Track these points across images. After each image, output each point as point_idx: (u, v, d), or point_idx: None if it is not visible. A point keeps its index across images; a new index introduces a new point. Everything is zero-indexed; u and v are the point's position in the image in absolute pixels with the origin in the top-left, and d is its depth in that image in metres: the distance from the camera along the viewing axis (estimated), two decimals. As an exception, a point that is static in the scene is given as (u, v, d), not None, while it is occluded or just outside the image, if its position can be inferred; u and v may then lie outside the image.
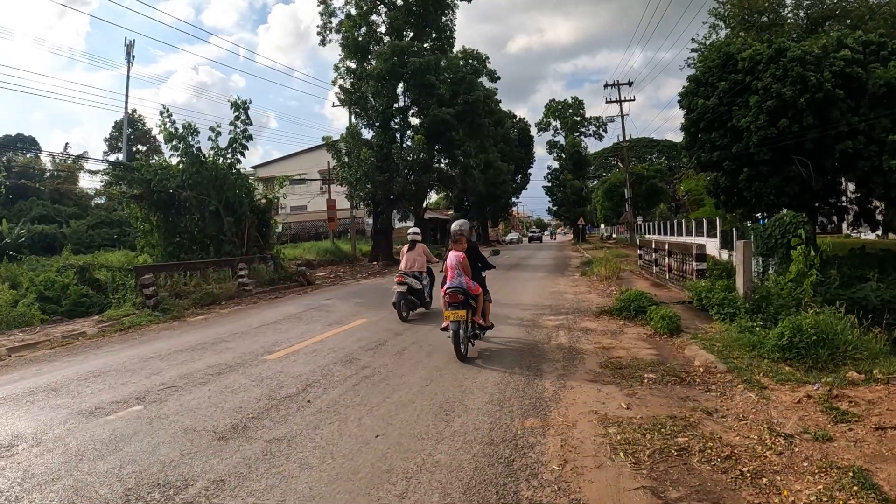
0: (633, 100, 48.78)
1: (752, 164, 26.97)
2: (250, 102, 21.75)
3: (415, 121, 31.88)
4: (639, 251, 18.92)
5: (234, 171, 22.85)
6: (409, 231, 13.28)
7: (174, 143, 21.66)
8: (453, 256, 8.61)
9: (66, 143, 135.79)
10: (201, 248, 23.29)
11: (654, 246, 15.65)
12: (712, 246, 25.62)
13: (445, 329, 8.52)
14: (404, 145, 29.84)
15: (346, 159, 30.20)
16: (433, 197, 68.76)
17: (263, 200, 23.69)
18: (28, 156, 63.94)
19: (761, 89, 26.29)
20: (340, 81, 32.48)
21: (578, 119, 75.46)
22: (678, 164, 71.65)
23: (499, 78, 51.46)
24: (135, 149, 68.65)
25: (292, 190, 59.68)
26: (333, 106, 34.26)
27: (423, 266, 12.60)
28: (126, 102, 65.10)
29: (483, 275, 9.42)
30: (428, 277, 12.82)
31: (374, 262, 31.21)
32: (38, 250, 41.33)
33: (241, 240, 23.29)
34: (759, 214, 38.47)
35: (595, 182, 77.91)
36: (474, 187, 35.67)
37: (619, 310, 11.32)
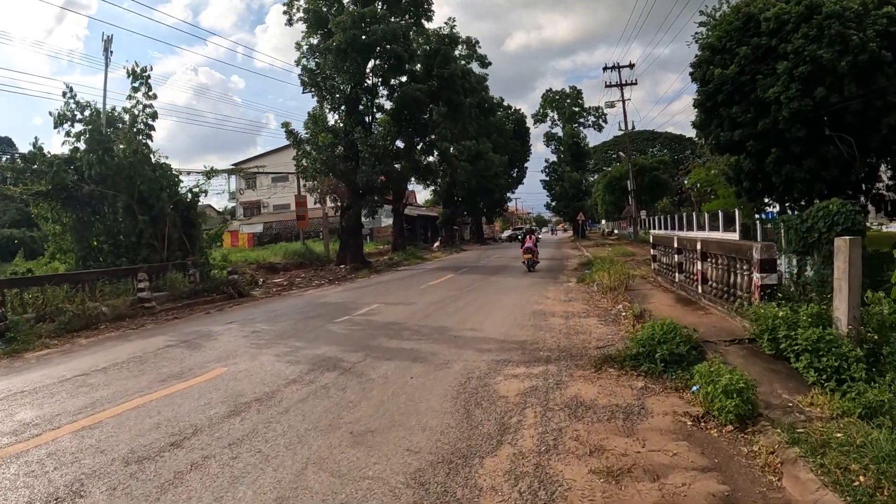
0: (636, 83, 43.74)
1: (782, 144, 21.93)
2: (151, 70, 16.89)
3: (387, 105, 26.93)
4: (652, 251, 13.93)
5: (149, 159, 18.15)
6: (525, 227, 23.16)
7: (66, 126, 16.97)
8: (531, 238, 22.11)
9: (37, 138, 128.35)
10: (127, 253, 18.69)
11: (676, 245, 10.72)
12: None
13: (524, 262, 21.26)
14: (372, 130, 24.79)
15: (308, 147, 25.32)
16: (427, 195, 63.92)
17: (189, 195, 18.84)
18: (5, 158, 59.78)
19: (791, 53, 21.22)
20: (304, 61, 27.59)
21: (577, 110, 69.93)
22: (682, 157, 66.49)
23: (489, 63, 46.71)
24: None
25: (274, 188, 55.07)
26: (303, 93, 29.32)
27: (535, 244, 21.76)
28: (104, 99, 59.85)
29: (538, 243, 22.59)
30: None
31: (342, 266, 26.30)
32: (7, 255, 37.37)
33: (161, 242, 18.57)
34: (776, 206, 33.41)
35: (595, 177, 72.63)
36: (459, 178, 30.62)
37: (636, 357, 6.40)
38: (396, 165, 26.03)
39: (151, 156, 18.12)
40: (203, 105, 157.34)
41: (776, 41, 21.91)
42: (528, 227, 26.00)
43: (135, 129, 17.14)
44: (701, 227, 32.52)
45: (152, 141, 17.64)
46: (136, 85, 16.75)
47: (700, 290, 9.52)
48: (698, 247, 9.37)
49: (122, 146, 18.10)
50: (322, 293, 17.30)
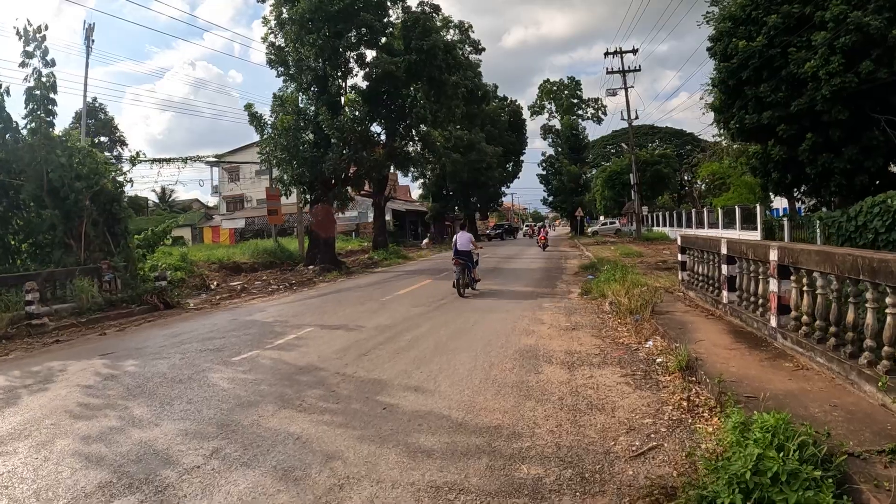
0: (639, 69, 40.23)
1: (819, 128, 18.44)
2: (46, 29, 13.31)
3: (363, 84, 23.38)
4: (680, 256, 10.27)
5: (60, 141, 14.69)
6: (537, 224, 44.63)
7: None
8: (544, 229, 37.55)
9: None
10: (51, 254, 15.33)
11: (724, 251, 7.18)
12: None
13: (541, 246, 32.13)
14: (343, 111, 21.14)
15: (271, 132, 21.76)
16: (417, 188, 60.39)
17: (109, 185, 15.35)
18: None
19: (830, 21, 17.72)
20: (271, 37, 24.01)
21: (575, 101, 66.05)
22: (683, 152, 62.90)
23: (483, 49, 43.38)
24: (97, 140, 60.28)
25: (258, 181, 51.64)
26: (277, 76, 25.73)
27: (546, 234, 33.96)
28: (85, 90, 56.41)
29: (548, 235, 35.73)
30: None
31: (311, 267, 22.82)
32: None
33: (78, 242, 15.17)
34: (783, 202, 29.98)
35: (594, 171, 68.85)
36: (448, 169, 27.00)
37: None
38: (372, 152, 22.51)
39: (63, 137, 14.58)
40: (201, 98, 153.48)
41: (811, 8, 18.44)
42: (542, 223, 38.38)
43: (33, 103, 13.52)
44: (713, 225, 29.17)
45: (54, 118, 14.01)
46: (30, 49, 13.12)
47: (774, 324, 6.07)
48: (773, 256, 5.94)
49: (29, 128, 14.60)
50: (265, 305, 13.87)
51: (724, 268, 7.53)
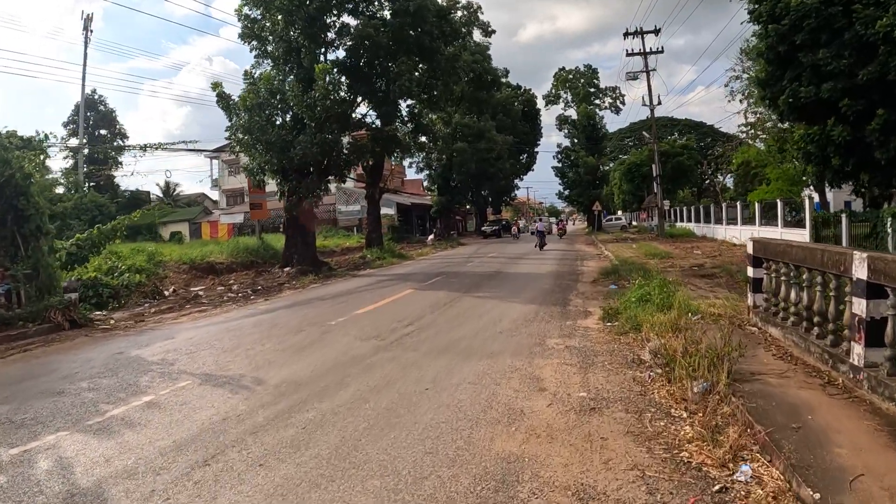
0: (661, 51, 36.50)
1: (893, 103, 14.94)
2: None
3: (342, 55, 20.04)
4: (751, 272, 6.55)
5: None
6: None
7: None
8: (562, 222, 49.90)
9: None
10: None
11: (860, 273, 3.89)
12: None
13: (558, 235, 43.24)
14: (314, 85, 17.76)
15: (245, 115, 18.60)
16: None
17: (17, 176, 12.28)
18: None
19: (907, -30, 14.26)
20: (245, 9, 20.85)
21: (592, 90, 61.94)
22: (704, 144, 58.76)
23: (493, 32, 39.85)
24: (96, 133, 57.79)
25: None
26: (250, 51, 22.53)
27: (564, 227, 46.44)
28: (83, 82, 53.81)
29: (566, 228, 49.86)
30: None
31: (286, 269, 19.70)
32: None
33: (-19, 244, 12.25)
34: (808, 193, 26.22)
35: (612, 165, 64.82)
36: (455, 159, 23.61)
37: None
38: (354, 136, 19.24)
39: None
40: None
41: (881, -44, 14.88)
42: (560, 217, 41.62)
43: None
44: (747, 221, 25.50)
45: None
46: None
47: None
48: None
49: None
50: (190, 325, 10.82)
51: (861, 304, 4.17)
